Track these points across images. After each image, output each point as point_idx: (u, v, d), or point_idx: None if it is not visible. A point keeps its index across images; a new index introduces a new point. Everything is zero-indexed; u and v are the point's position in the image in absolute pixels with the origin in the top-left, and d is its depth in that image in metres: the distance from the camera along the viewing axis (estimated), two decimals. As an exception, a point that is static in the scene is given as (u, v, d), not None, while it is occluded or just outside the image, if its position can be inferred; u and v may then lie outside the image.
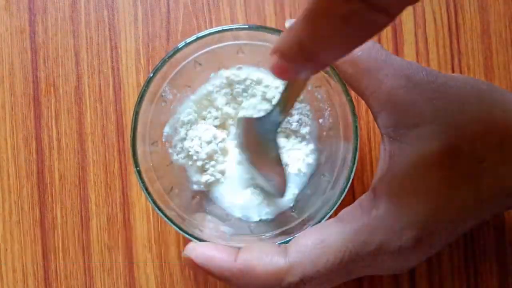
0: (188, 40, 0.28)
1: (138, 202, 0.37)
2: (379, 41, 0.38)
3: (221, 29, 0.28)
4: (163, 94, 0.30)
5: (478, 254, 0.37)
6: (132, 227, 0.37)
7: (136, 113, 0.28)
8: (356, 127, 0.27)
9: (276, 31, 0.28)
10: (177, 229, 0.27)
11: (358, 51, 0.26)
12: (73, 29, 0.38)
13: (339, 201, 0.27)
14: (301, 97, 0.32)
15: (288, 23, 0.29)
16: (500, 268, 0.36)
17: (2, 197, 0.37)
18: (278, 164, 0.30)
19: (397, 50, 0.38)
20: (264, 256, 0.26)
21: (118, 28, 0.38)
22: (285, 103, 0.27)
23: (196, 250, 0.27)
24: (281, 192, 0.31)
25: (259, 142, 0.29)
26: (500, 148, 0.25)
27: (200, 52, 0.30)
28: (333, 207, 0.27)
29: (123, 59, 0.38)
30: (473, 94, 0.25)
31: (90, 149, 0.37)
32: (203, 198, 0.33)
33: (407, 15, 0.38)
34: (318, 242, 0.25)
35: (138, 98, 0.28)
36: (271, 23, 0.38)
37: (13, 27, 0.38)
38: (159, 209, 0.28)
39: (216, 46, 0.30)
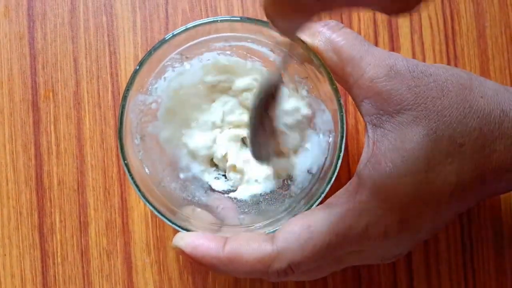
0: (175, 32, 0.28)
1: (136, 206, 0.37)
2: (376, 45, 0.38)
3: (212, 20, 0.28)
4: (150, 87, 0.30)
5: (476, 256, 0.37)
6: (131, 232, 0.37)
7: (122, 107, 0.28)
8: (342, 115, 0.28)
9: (263, 22, 0.28)
10: (166, 220, 0.27)
11: (342, 41, 0.27)
12: (72, 35, 0.38)
13: (326, 191, 0.28)
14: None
15: None
16: (499, 271, 0.37)
17: (0, 203, 0.37)
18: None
19: (394, 55, 0.38)
20: (252, 243, 0.26)
21: (117, 34, 0.38)
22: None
23: (184, 240, 0.27)
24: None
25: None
26: (479, 133, 0.26)
27: (187, 45, 0.30)
28: (320, 197, 0.28)
29: (121, 64, 0.38)
30: (453, 81, 0.26)
31: (88, 154, 0.37)
32: (193, 191, 0.33)
33: (403, 21, 0.38)
34: (305, 227, 0.26)
35: (124, 91, 0.28)
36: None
37: (12, 33, 0.38)
38: (148, 201, 0.28)
39: (203, 38, 0.30)
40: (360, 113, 0.28)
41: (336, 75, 0.28)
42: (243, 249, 0.26)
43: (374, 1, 0.20)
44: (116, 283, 0.37)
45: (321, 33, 0.27)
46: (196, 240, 0.27)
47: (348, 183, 0.28)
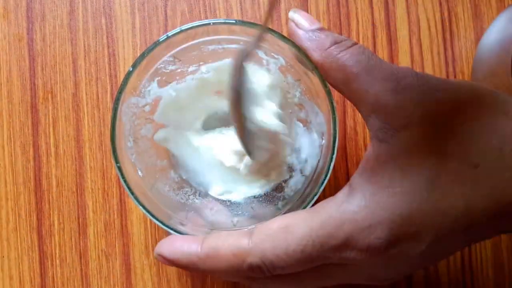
0: (169, 33, 0.28)
1: (135, 208, 0.37)
2: (374, 48, 0.38)
3: (206, 22, 0.28)
4: (143, 90, 0.30)
5: (474, 258, 0.37)
6: (130, 234, 0.37)
7: (115, 109, 0.28)
8: (335, 118, 0.28)
9: (257, 25, 0.28)
10: (159, 223, 0.28)
11: (348, 58, 0.26)
12: (71, 37, 0.38)
13: (319, 193, 0.28)
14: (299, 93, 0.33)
15: (292, 13, 0.28)
16: (497, 274, 0.37)
17: (-1, 204, 0.37)
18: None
19: (392, 57, 0.38)
20: (229, 238, 0.26)
21: (115, 36, 0.38)
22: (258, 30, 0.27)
23: (163, 245, 0.27)
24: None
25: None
26: (498, 153, 0.23)
27: (180, 47, 0.29)
28: (313, 199, 0.28)
29: (120, 66, 0.38)
30: (469, 97, 0.24)
31: (87, 156, 0.37)
32: (186, 194, 0.33)
33: (401, 23, 0.38)
34: (283, 226, 0.25)
35: (117, 93, 0.28)
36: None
37: (11, 35, 0.38)
38: (141, 205, 0.28)
39: (196, 41, 0.29)
40: (367, 128, 0.26)
41: (342, 91, 0.27)
42: (220, 244, 0.25)
43: None
44: (114, 285, 0.36)
45: (329, 50, 0.26)
46: (174, 242, 0.26)
47: (339, 192, 0.26)
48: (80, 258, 0.37)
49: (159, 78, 0.31)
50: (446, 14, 0.38)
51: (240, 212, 0.33)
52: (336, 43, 0.26)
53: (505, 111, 0.24)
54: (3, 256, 0.37)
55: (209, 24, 0.28)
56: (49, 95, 0.38)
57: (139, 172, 0.30)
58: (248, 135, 0.31)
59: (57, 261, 0.37)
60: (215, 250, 0.25)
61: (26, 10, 0.38)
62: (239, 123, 0.30)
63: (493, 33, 0.36)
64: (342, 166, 0.37)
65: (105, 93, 0.38)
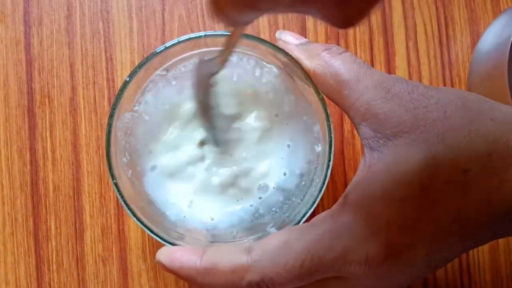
0: (167, 44, 0.28)
1: (132, 212, 0.37)
2: (371, 52, 0.38)
3: (197, 35, 0.28)
4: (136, 106, 0.30)
5: (472, 261, 0.37)
6: (127, 238, 0.37)
7: (109, 125, 0.28)
8: (329, 125, 0.28)
9: (249, 36, 0.28)
10: (157, 238, 0.27)
11: (340, 64, 0.26)
12: (68, 41, 0.38)
13: (317, 200, 0.28)
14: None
15: (278, 34, 0.29)
16: (494, 276, 0.37)
17: (-5, 209, 0.37)
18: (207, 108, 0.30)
19: (389, 62, 0.38)
20: (228, 254, 0.25)
21: (113, 40, 0.38)
22: (222, 52, 0.27)
23: (163, 253, 0.27)
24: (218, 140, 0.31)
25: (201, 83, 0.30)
26: (488, 158, 0.23)
27: (173, 61, 0.30)
28: (312, 207, 0.28)
29: (118, 70, 0.38)
30: (458, 103, 0.24)
31: (84, 160, 0.37)
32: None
33: (398, 27, 0.38)
34: (282, 242, 0.25)
35: (110, 110, 0.28)
36: (265, 35, 0.38)
37: (8, 39, 0.38)
38: (139, 220, 0.28)
39: (189, 53, 0.30)
40: (359, 136, 0.26)
41: (334, 98, 0.27)
42: (219, 259, 0.25)
43: (317, 7, 0.18)
44: (111, 290, 0.36)
45: (320, 57, 0.27)
46: (175, 253, 0.26)
47: (335, 204, 0.26)
48: (77, 262, 0.36)
49: (151, 93, 0.31)
50: (442, 18, 0.38)
51: (239, 222, 0.33)
52: (327, 49, 0.27)
53: (492, 116, 0.24)
54: (0, 261, 0.36)
55: (200, 37, 0.28)
56: (46, 99, 0.38)
57: (136, 188, 0.30)
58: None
59: (54, 266, 0.36)
60: (214, 265, 0.25)
61: (23, 14, 0.38)
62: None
63: (489, 37, 0.36)
64: (340, 170, 0.37)
65: (102, 97, 0.38)
